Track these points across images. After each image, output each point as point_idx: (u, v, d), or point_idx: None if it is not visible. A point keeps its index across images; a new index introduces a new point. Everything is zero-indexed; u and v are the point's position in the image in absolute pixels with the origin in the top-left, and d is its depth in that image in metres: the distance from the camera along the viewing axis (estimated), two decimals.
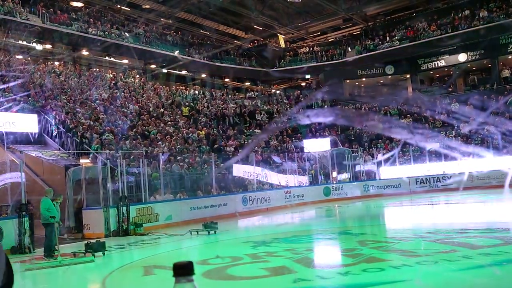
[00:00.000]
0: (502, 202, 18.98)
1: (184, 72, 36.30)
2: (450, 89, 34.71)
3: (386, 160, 26.12)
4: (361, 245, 9.86)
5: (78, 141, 19.37)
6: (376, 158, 26.38)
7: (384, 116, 31.01)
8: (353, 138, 30.98)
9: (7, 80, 22.18)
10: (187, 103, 29.64)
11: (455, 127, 27.83)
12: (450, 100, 30.70)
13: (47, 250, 10.83)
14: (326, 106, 34.20)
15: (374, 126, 28.87)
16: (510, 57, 33.67)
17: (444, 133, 27.80)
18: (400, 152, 26.70)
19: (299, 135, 30.58)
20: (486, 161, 23.71)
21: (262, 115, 32.38)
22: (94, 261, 9.91)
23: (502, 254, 7.72)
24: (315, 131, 30.64)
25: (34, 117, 19.53)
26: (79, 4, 30.91)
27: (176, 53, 33.52)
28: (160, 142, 21.98)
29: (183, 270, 0.94)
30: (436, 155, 26.02)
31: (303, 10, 35.34)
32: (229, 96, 35.70)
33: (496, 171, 22.87)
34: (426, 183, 25.57)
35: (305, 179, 24.77)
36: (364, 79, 38.47)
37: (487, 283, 6.11)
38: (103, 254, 10.71)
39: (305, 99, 35.13)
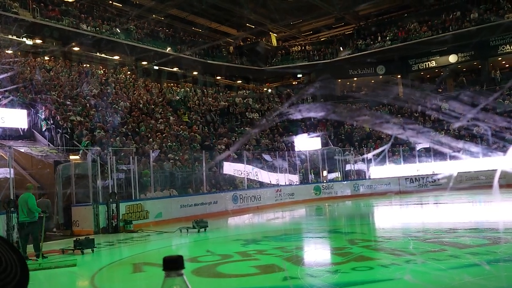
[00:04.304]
0: (490, 201, 19.16)
1: (175, 69, 36.17)
2: (440, 90, 34.95)
3: (376, 156, 26.21)
4: (350, 243, 9.91)
5: (68, 137, 19.23)
6: (367, 157, 26.48)
7: (375, 112, 31.20)
8: (343, 137, 31.10)
9: None
10: (182, 104, 29.46)
11: (445, 125, 28.05)
12: (440, 100, 30.94)
13: (37, 249, 9.88)
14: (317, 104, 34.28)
15: (366, 121, 29.01)
16: (500, 58, 33.97)
17: (434, 131, 27.96)
18: (390, 151, 26.82)
19: (290, 133, 30.62)
20: (476, 161, 23.89)
21: (254, 113, 32.37)
22: (77, 265, 9.27)
23: (489, 253, 7.79)
24: (306, 129, 30.69)
25: (23, 112, 19.36)
26: None
27: (168, 50, 33.39)
28: (150, 139, 21.90)
29: (173, 264, 0.93)
30: (426, 154, 26.19)
31: (295, 8, 35.35)
32: (221, 94, 35.64)
33: (485, 170, 23.04)
34: (416, 182, 25.74)
35: (295, 178, 24.81)
36: (355, 78, 38.62)
37: (475, 282, 6.16)
38: (92, 251, 10.65)
39: (297, 98, 35.19)
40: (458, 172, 23.08)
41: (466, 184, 23.10)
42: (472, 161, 23.99)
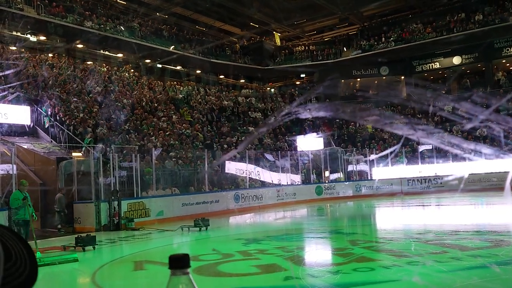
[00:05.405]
0: (493, 204, 19.10)
1: (179, 67, 36.15)
2: (444, 92, 34.86)
3: (381, 159, 26.11)
4: (352, 244, 9.89)
5: (71, 134, 19.25)
6: (369, 158, 26.42)
7: (379, 113, 31.14)
8: (346, 138, 31.05)
9: (0, 70, 21.99)
10: (184, 103, 29.43)
11: (448, 126, 27.96)
12: (444, 102, 30.85)
13: None
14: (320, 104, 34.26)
15: (369, 122, 28.92)
16: (504, 60, 33.87)
17: (438, 132, 27.86)
18: (393, 153, 26.74)
19: (293, 133, 30.60)
20: (479, 163, 23.71)
21: (256, 112, 32.37)
22: (78, 260, 9.25)
23: (491, 256, 7.76)
24: (309, 129, 30.66)
25: (26, 109, 19.37)
26: None
27: (171, 48, 33.38)
28: (153, 137, 21.91)
29: (179, 262, 0.93)
30: (429, 156, 26.10)
31: (299, 8, 35.29)
32: (224, 93, 35.62)
33: (497, 172, 22.79)
34: (418, 184, 25.66)
35: (297, 178, 24.79)
36: (358, 79, 38.56)
37: (476, 285, 6.14)
38: (94, 248, 10.66)
39: (300, 98, 35.16)
40: (469, 174, 22.86)
41: (477, 186, 22.88)
42: (480, 162, 23.71)
